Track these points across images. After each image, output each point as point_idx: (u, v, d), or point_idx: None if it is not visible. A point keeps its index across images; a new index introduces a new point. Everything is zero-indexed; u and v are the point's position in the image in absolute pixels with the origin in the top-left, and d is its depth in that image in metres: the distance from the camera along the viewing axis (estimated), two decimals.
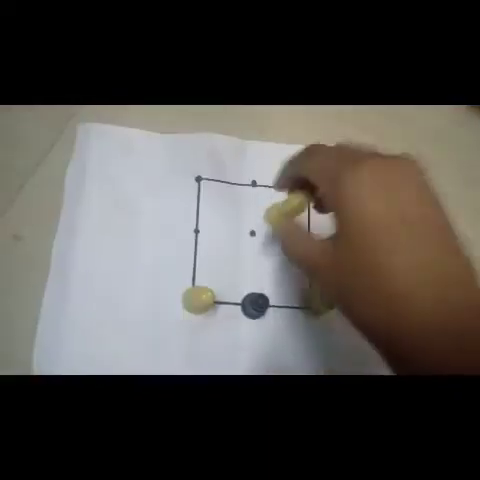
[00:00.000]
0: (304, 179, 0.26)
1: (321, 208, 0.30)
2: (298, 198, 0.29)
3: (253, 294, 0.34)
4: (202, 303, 0.31)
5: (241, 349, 0.34)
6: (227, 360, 0.34)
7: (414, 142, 0.40)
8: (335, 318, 0.35)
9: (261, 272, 0.36)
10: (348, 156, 0.23)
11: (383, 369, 0.22)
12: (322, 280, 0.24)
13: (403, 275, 0.20)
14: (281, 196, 0.31)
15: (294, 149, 0.40)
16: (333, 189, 0.22)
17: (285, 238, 0.27)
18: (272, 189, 0.38)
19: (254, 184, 0.39)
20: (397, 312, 0.20)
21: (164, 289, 0.34)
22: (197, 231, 0.36)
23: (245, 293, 0.35)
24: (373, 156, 0.23)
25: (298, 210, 0.30)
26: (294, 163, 0.28)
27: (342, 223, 0.22)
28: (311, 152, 0.27)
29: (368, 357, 0.34)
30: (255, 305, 0.33)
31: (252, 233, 0.37)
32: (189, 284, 0.35)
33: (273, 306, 0.35)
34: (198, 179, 0.38)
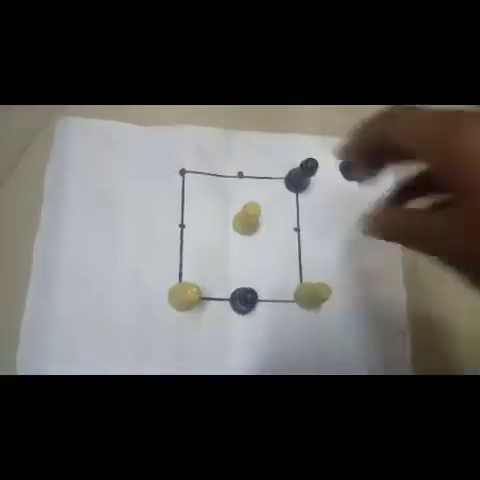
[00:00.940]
0: (389, 147, 0.22)
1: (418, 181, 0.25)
2: (253, 207, 0.32)
3: (241, 289, 0.33)
4: (188, 299, 0.30)
5: (231, 345, 0.33)
6: (217, 356, 0.33)
7: None
8: (325, 312, 0.35)
9: (250, 266, 0.35)
10: (444, 117, 0.19)
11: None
12: (434, 250, 0.21)
13: None
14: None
15: (280, 138, 0.39)
16: (448, 140, 0.19)
17: (404, 228, 0.22)
18: (259, 180, 0.38)
19: (241, 175, 0.38)
20: None
21: (150, 285, 0.33)
22: (182, 226, 0.35)
23: (234, 288, 0.34)
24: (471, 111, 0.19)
25: (253, 217, 0.33)
26: (372, 129, 0.23)
27: (473, 179, 0.18)
28: (394, 115, 0.22)
29: (359, 349, 0.34)
30: (243, 300, 0.32)
31: None
32: (175, 280, 0.34)
33: (263, 301, 0.34)
34: (182, 172, 0.36)
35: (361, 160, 0.24)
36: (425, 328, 0.36)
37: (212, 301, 0.34)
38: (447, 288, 0.37)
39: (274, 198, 0.37)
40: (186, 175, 0.36)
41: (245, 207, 0.33)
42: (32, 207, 0.34)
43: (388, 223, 0.23)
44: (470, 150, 0.18)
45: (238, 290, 0.33)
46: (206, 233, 0.35)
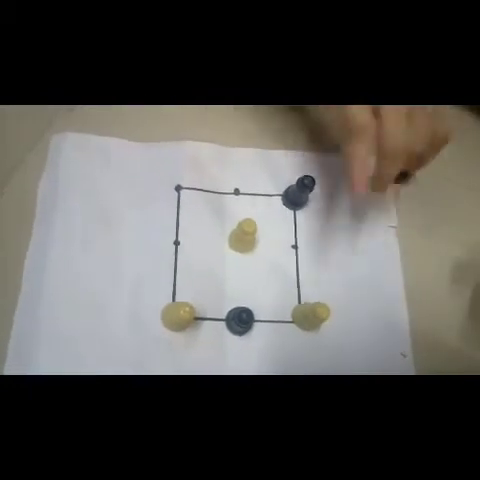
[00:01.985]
0: None
1: None
2: (249, 224, 0.32)
3: (237, 309, 0.32)
4: (181, 319, 0.29)
5: (227, 367, 0.32)
6: None
7: None
8: (324, 333, 0.34)
9: (246, 285, 0.34)
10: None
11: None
12: None
13: None
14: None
15: (277, 155, 0.39)
16: None
17: None
18: (256, 197, 0.37)
19: (237, 192, 0.37)
20: None
21: (143, 304, 0.32)
22: (177, 243, 0.34)
23: (230, 308, 0.33)
24: None
25: (249, 234, 0.33)
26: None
27: None
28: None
29: (359, 372, 0.33)
30: (239, 320, 0.31)
31: None
32: (169, 299, 0.33)
33: (260, 321, 0.33)
34: (178, 188, 0.36)
35: None
36: (429, 351, 0.35)
37: (207, 321, 0.33)
38: (452, 308, 0.36)
39: (271, 215, 0.37)
40: (182, 191, 0.36)
41: (241, 224, 0.32)
42: (24, 222, 0.33)
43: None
44: None
45: (234, 310, 0.32)
46: (201, 251, 0.34)
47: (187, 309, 0.29)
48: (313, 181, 0.34)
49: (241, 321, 0.30)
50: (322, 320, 0.31)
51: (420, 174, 0.36)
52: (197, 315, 0.32)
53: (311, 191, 0.35)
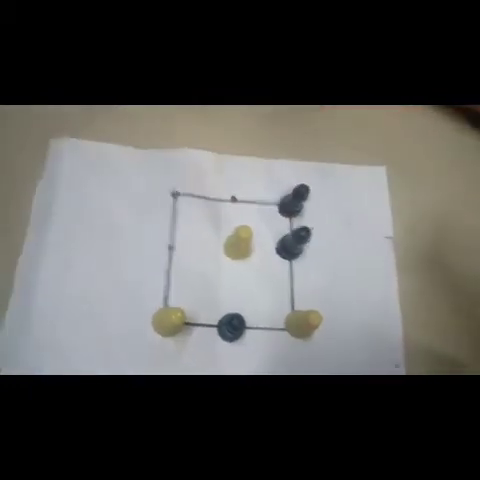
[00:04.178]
0: None
1: None
2: (245, 230, 0.32)
3: (228, 315, 0.32)
4: (171, 324, 0.29)
5: (217, 372, 0.32)
6: None
7: (367, 143, 0.39)
8: (316, 341, 0.33)
9: (240, 292, 0.34)
10: None
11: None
12: None
13: None
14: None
15: (273, 164, 0.39)
16: None
17: None
18: (252, 205, 0.37)
19: (233, 200, 0.37)
20: None
21: (135, 309, 0.32)
22: (171, 248, 0.35)
23: (223, 314, 0.33)
24: None
25: (245, 240, 0.33)
26: None
27: None
28: None
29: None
30: (230, 326, 0.31)
31: None
32: (161, 304, 0.33)
33: (252, 328, 0.33)
34: (174, 194, 0.36)
35: None
36: (422, 361, 0.35)
37: (199, 327, 0.33)
38: (445, 319, 0.36)
39: (267, 223, 0.37)
40: (178, 198, 0.36)
41: (237, 229, 0.32)
42: (18, 227, 0.33)
43: None
44: None
45: (226, 316, 0.32)
46: (196, 256, 0.35)
47: (179, 314, 0.29)
48: (308, 190, 0.34)
49: (232, 327, 0.30)
50: (314, 327, 0.31)
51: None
52: (189, 321, 0.32)
53: (305, 199, 0.35)
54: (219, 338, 0.33)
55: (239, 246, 0.34)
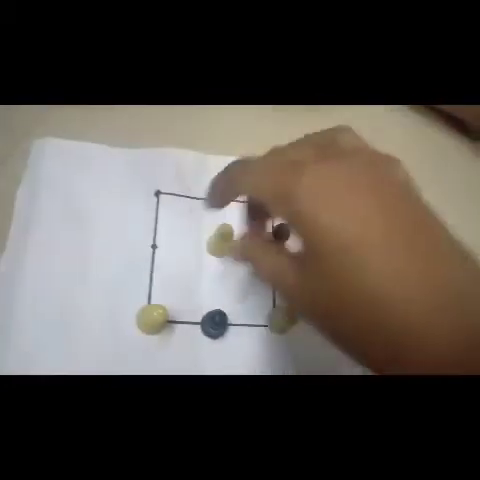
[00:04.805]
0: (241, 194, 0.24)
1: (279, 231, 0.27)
2: (226, 228, 0.32)
3: (211, 312, 0.32)
4: (153, 321, 0.29)
5: (202, 370, 0.32)
6: None
7: None
8: (300, 335, 0.34)
9: (223, 289, 0.35)
10: (289, 164, 0.20)
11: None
12: (291, 299, 0.22)
13: (406, 300, 0.17)
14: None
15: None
16: (286, 209, 0.19)
17: (252, 254, 0.24)
18: (234, 203, 0.38)
19: None
20: (404, 344, 0.17)
21: (119, 307, 0.32)
22: (154, 246, 0.35)
23: (205, 312, 0.33)
24: (317, 157, 0.20)
25: (227, 238, 0.33)
26: (225, 182, 0.25)
27: (307, 244, 0.19)
28: (241, 173, 0.23)
29: (332, 371, 0.33)
30: (212, 323, 0.31)
31: None
32: (145, 302, 0.33)
33: (235, 325, 0.34)
34: (157, 193, 0.37)
35: (223, 205, 0.26)
36: None
37: (183, 325, 0.33)
38: None
39: None
40: (161, 196, 0.36)
41: (218, 228, 0.33)
42: (1, 227, 0.33)
43: (244, 251, 0.25)
44: (307, 214, 0.18)
45: (208, 313, 0.33)
46: (178, 254, 0.35)
47: (160, 311, 0.29)
48: None
49: (214, 323, 0.31)
50: (293, 321, 0.32)
51: None
52: (172, 318, 0.32)
53: None
54: (203, 335, 0.33)
55: (222, 244, 0.34)
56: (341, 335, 0.20)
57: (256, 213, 0.27)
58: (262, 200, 0.21)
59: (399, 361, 0.17)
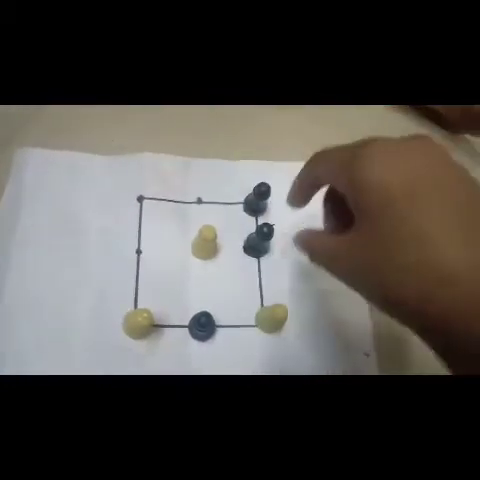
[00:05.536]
0: (319, 186, 0.26)
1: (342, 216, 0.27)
2: (208, 230, 0.33)
3: (197, 314, 0.32)
4: (139, 326, 0.29)
5: (192, 373, 0.32)
6: None
7: (331, 141, 0.40)
8: (286, 335, 0.34)
9: (209, 292, 0.35)
10: (354, 145, 0.23)
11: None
12: (340, 269, 0.24)
13: (455, 248, 0.19)
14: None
15: (239, 165, 0.40)
16: (348, 174, 0.22)
17: (308, 245, 0.27)
18: (218, 205, 0.38)
19: (199, 201, 0.38)
20: (440, 279, 0.19)
21: (107, 313, 0.32)
22: (139, 252, 0.35)
23: (192, 315, 0.33)
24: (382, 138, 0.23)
25: (209, 240, 0.34)
26: (303, 173, 0.27)
27: (364, 205, 0.21)
28: (317, 158, 0.26)
29: (322, 370, 0.33)
30: (198, 325, 0.31)
31: None
32: (131, 307, 0.33)
33: (223, 326, 0.34)
34: (140, 199, 0.37)
35: (305, 203, 0.28)
36: (392, 349, 0.35)
37: (170, 328, 0.33)
38: None
39: (233, 222, 0.37)
40: (144, 201, 0.37)
41: (201, 231, 0.33)
42: None
43: (304, 244, 0.27)
44: (364, 182, 0.21)
45: (194, 316, 0.33)
46: (164, 259, 0.35)
47: (145, 315, 0.29)
48: (268, 188, 0.35)
49: (200, 325, 0.31)
50: (281, 320, 0.32)
51: None
52: (159, 322, 0.32)
53: (267, 198, 0.35)
54: (191, 338, 0.33)
55: (205, 246, 0.35)
56: (386, 288, 0.21)
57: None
58: (330, 176, 0.24)
59: (432, 300, 0.19)
